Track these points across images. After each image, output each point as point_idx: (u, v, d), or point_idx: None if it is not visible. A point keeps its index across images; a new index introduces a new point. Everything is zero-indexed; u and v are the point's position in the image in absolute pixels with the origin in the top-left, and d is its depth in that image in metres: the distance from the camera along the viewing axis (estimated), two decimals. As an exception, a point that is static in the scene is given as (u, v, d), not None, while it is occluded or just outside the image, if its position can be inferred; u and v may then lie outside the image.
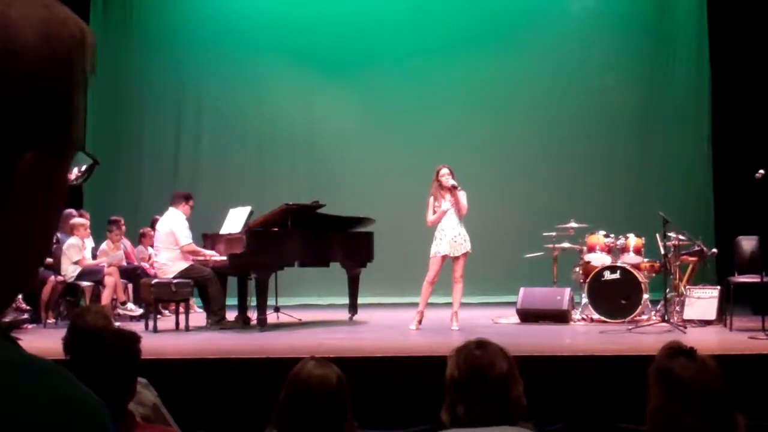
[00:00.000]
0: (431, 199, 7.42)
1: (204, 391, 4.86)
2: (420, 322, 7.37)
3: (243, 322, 7.72)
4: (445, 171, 7.35)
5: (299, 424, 2.40)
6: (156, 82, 11.22)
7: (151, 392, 3.01)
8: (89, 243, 8.50)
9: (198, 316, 8.28)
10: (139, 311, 8.18)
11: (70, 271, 7.97)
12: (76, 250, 8.03)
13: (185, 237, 7.58)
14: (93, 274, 8.05)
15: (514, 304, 8.19)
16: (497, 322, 8.07)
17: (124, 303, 8.24)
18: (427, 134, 11.05)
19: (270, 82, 11.23)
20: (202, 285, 7.59)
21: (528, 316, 7.94)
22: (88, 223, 8.40)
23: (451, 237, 7.29)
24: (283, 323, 7.94)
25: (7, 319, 6.84)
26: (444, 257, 7.34)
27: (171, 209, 7.75)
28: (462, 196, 7.32)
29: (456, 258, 7.33)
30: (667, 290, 7.45)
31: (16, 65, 0.68)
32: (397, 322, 8.11)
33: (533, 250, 8.80)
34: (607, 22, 11.33)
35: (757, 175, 6.50)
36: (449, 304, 7.56)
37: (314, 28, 11.16)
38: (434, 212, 7.36)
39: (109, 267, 8.10)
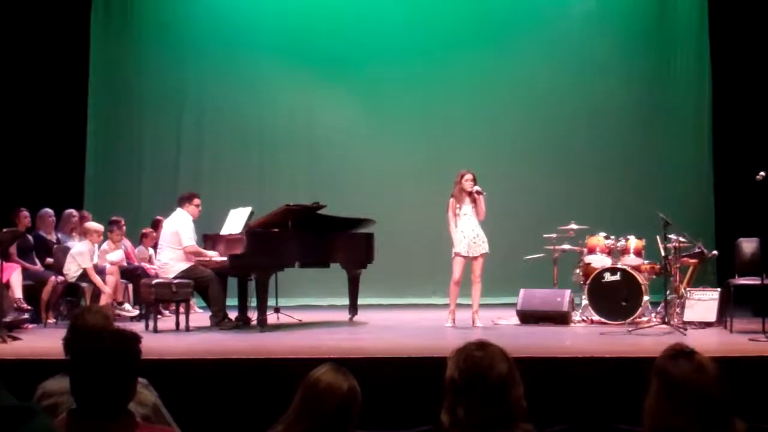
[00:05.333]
0: (452, 200, 7.68)
1: (204, 392, 4.85)
2: (454, 320, 7.62)
3: (243, 323, 7.72)
4: (469, 176, 7.68)
5: (301, 425, 2.39)
6: (157, 82, 11.20)
7: (151, 392, 3.00)
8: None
9: (198, 316, 8.28)
10: (135, 312, 8.17)
11: (72, 270, 7.95)
12: (88, 258, 7.93)
13: (188, 238, 7.59)
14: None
15: (514, 305, 8.19)
16: (497, 323, 8.06)
17: (120, 303, 8.22)
18: (427, 135, 11.06)
19: (271, 82, 11.22)
20: (202, 286, 7.59)
21: (528, 317, 7.94)
22: (102, 229, 8.23)
23: (470, 238, 7.59)
24: (283, 324, 7.94)
25: (7, 319, 6.84)
26: (464, 257, 7.60)
27: (178, 210, 7.79)
28: (482, 200, 7.62)
29: (474, 258, 7.61)
30: (668, 292, 7.44)
31: None
32: (396, 323, 8.13)
33: (533, 252, 8.79)
34: (607, 22, 11.32)
35: (757, 176, 6.49)
36: (458, 306, 7.69)
37: (315, 28, 11.15)
38: (454, 215, 7.65)
39: (110, 267, 8.08)
